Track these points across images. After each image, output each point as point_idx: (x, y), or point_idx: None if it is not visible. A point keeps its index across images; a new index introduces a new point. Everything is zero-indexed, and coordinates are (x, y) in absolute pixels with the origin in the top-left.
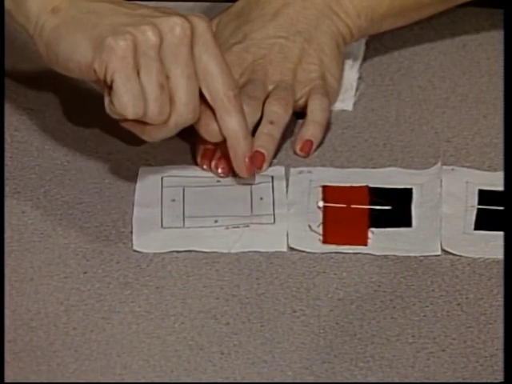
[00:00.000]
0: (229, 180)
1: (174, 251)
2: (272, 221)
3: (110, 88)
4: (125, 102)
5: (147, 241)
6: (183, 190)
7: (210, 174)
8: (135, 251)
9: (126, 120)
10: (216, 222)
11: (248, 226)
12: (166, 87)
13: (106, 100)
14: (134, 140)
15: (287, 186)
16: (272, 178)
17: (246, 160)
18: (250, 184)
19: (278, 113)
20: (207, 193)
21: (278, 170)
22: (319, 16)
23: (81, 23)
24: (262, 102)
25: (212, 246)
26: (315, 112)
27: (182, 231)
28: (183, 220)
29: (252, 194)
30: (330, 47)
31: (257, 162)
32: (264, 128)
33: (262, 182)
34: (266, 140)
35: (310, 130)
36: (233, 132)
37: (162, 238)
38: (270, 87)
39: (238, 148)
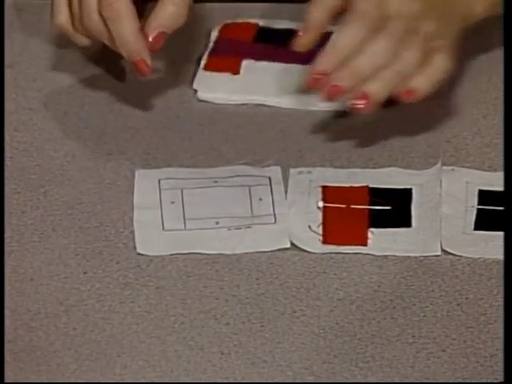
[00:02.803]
0: (227, 181)
1: (180, 253)
2: (273, 221)
3: None
4: None
5: (150, 244)
6: (181, 191)
7: (208, 175)
8: (139, 254)
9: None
10: (217, 223)
11: (250, 227)
12: None
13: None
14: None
15: (286, 186)
16: (269, 178)
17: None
18: (248, 186)
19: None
20: (206, 194)
21: (275, 171)
22: None
23: None
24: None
25: (215, 247)
26: (435, 67)
27: (184, 233)
28: (184, 222)
29: (251, 194)
30: (459, 25)
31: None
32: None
33: (259, 183)
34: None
35: (420, 82)
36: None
37: (164, 241)
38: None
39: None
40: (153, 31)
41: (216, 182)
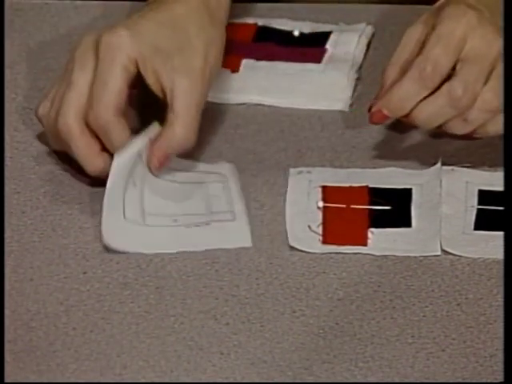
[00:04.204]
0: (183, 177)
1: (174, 252)
2: (232, 217)
3: None
4: None
5: (113, 233)
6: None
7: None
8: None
9: None
10: (175, 221)
11: (208, 224)
12: None
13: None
14: None
15: (287, 187)
16: (223, 175)
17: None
18: (202, 182)
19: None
20: (164, 190)
21: (225, 167)
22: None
23: None
24: (475, 94)
25: (175, 246)
26: (490, 98)
27: (143, 230)
28: (143, 216)
29: (207, 191)
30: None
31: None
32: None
33: (214, 180)
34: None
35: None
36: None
37: (126, 234)
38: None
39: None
40: (158, 153)
41: (174, 177)
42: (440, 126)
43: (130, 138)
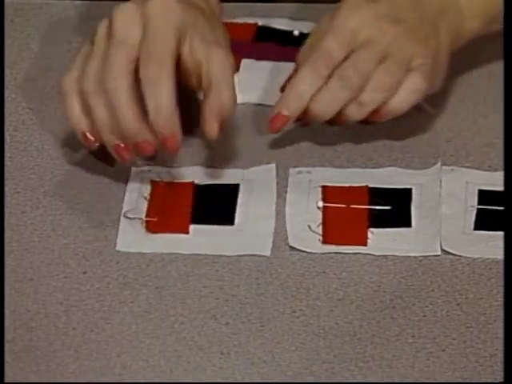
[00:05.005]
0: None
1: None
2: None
3: None
4: None
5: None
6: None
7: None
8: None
9: None
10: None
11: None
12: None
13: None
14: None
15: (287, 187)
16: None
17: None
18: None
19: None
20: None
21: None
22: (441, 8)
23: None
24: (367, 76)
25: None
26: (407, 90)
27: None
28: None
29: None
30: (446, 41)
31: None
32: (352, 106)
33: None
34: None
35: (391, 104)
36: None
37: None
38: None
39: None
40: (214, 119)
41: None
42: (339, 118)
43: (176, 103)
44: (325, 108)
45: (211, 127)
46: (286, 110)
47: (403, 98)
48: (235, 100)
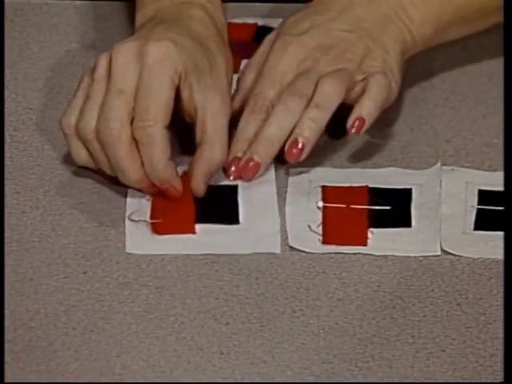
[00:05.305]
0: None
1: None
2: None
3: None
4: None
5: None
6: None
7: None
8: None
9: None
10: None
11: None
12: None
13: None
14: None
15: (287, 187)
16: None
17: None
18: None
19: (328, 93)
20: None
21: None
22: (385, 19)
23: None
24: (307, 99)
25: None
26: (373, 88)
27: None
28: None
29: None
30: (395, 51)
31: (293, 154)
32: (309, 112)
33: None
34: (308, 126)
35: (364, 106)
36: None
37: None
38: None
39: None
40: (202, 176)
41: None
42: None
43: (169, 157)
44: (277, 131)
45: (198, 186)
46: (235, 153)
47: (373, 99)
48: (225, 158)
